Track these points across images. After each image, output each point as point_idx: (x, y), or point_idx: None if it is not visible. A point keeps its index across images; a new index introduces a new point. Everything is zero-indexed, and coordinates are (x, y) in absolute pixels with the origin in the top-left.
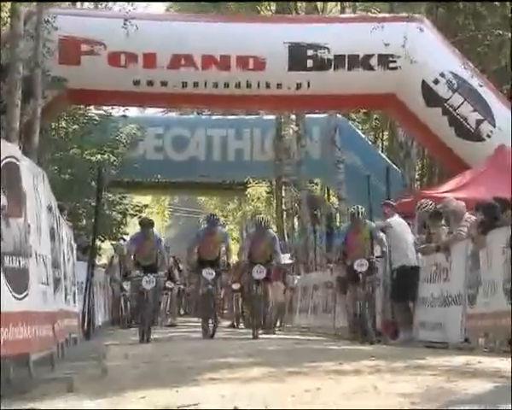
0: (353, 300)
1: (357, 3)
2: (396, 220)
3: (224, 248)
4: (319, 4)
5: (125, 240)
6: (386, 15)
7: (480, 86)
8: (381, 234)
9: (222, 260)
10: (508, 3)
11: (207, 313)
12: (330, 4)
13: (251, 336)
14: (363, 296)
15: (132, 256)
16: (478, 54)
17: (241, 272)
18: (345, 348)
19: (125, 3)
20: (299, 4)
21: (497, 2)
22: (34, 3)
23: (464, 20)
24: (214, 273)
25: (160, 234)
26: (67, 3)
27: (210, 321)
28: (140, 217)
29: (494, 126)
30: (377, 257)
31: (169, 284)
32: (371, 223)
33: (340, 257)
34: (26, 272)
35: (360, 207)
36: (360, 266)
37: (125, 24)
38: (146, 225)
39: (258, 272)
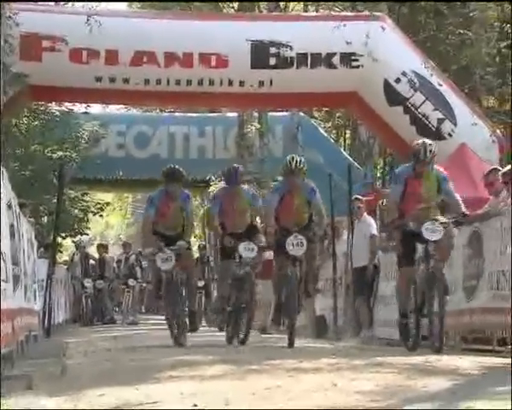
0: (407, 282)
1: (320, 1)
2: (367, 217)
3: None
4: (282, 2)
5: (87, 234)
6: (349, 14)
7: (441, 85)
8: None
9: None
10: (470, 4)
11: (241, 306)
12: (293, 2)
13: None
14: (427, 279)
15: (151, 224)
16: (439, 53)
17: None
18: (305, 345)
19: (88, 1)
20: (261, 2)
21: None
22: None
23: (426, 19)
24: (256, 249)
25: (188, 192)
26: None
27: (242, 319)
28: (101, 209)
29: (455, 125)
30: (456, 221)
31: (131, 282)
32: (440, 170)
33: (394, 216)
34: None
35: (429, 142)
36: (431, 231)
37: (88, 20)
38: (172, 177)
39: (296, 246)
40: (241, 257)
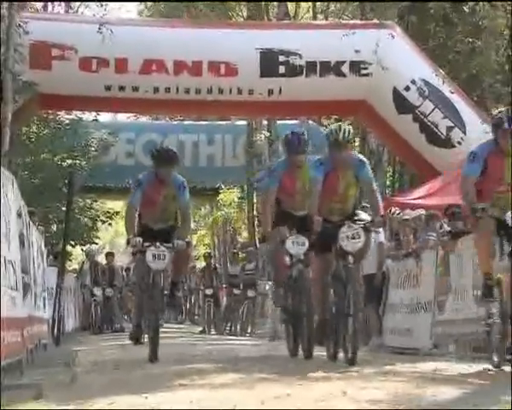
0: (487, 237)
1: (328, 10)
2: None
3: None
4: (291, 10)
5: (97, 243)
6: (358, 22)
7: (451, 93)
8: None
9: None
10: (479, 11)
11: (298, 313)
12: (302, 10)
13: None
14: None
15: (137, 215)
16: (449, 61)
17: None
18: (315, 354)
19: (98, 8)
20: (270, 10)
21: (466, 9)
22: (5, 7)
23: (435, 28)
24: (307, 243)
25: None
26: (39, 8)
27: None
28: (111, 218)
29: (464, 133)
30: None
31: None
32: None
33: (471, 198)
34: None
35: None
36: None
37: (99, 29)
38: (165, 161)
39: (352, 239)
40: (291, 255)
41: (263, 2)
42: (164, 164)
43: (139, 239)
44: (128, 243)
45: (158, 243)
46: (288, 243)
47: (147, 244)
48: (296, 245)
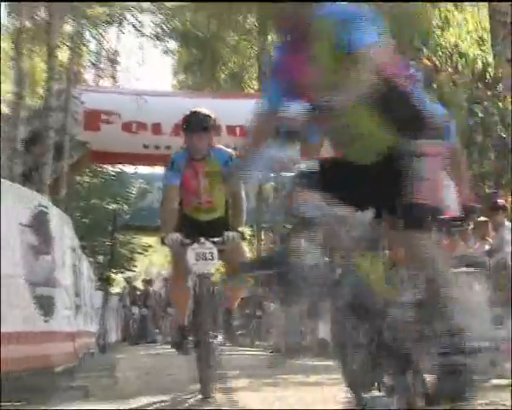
0: None
1: None
2: None
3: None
4: None
5: (134, 271)
6: None
7: None
8: None
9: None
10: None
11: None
12: None
13: None
14: None
15: (176, 196)
16: None
17: None
18: (309, 363)
19: (137, 82)
20: None
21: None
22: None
23: None
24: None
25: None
26: (91, 82)
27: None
28: (145, 250)
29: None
30: None
31: (170, 311)
32: None
33: None
34: (52, 299)
35: None
36: None
37: (137, 98)
38: (195, 126)
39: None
40: None
41: None
42: (194, 132)
43: (176, 235)
44: (163, 242)
45: (202, 239)
46: None
47: (187, 241)
48: None
